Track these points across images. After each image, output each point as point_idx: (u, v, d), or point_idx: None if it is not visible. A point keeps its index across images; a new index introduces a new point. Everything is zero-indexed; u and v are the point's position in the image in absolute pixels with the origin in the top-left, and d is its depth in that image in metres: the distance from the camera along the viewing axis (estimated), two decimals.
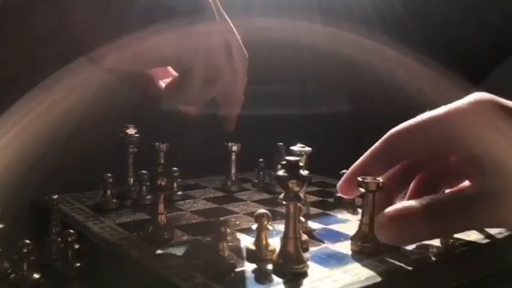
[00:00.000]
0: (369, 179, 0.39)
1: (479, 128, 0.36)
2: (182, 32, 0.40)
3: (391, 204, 0.39)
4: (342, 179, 0.43)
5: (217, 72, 0.43)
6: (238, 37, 0.46)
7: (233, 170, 0.62)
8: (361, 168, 0.42)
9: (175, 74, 0.46)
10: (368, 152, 0.42)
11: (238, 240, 0.43)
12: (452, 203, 0.36)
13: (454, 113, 0.37)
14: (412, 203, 0.36)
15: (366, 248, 0.40)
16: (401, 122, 0.41)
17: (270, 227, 0.39)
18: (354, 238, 0.41)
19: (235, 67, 0.45)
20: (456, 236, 0.44)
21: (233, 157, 0.62)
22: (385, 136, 0.41)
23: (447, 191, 0.42)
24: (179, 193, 0.57)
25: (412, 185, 0.43)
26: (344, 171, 0.56)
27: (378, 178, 0.40)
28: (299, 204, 0.36)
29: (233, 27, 0.45)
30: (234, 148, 0.62)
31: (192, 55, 0.41)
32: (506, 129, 0.35)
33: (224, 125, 0.50)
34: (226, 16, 0.45)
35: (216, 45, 0.42)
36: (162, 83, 0.48)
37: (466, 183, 0.40)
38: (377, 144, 0.42)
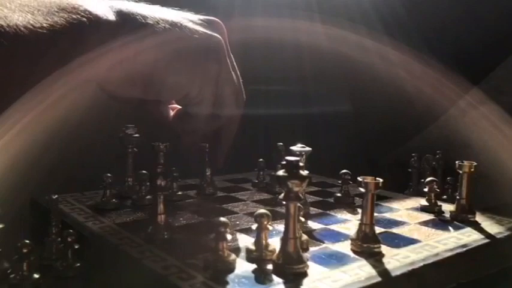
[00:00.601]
0: (368, 179, 0.39)
1: None
2: (194, 67, 0.42)
3: None
4: None
5: (222, 108, 0.45)
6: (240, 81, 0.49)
7: (208, 172, 0.60)
8: None
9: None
10: None
11: (236, 240, 0.43)
12: None
13: None
14: None
15: (366, 248, 0.40)
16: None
17: (270, 227, 0.39)
18: (353, 238, 0.41)
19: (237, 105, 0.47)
20: (456, 236, 0.45)
21: (207, 159, 0.60)
22: None
23: None
24: (179, 193, 0.57)
25: None
26: (344, 171, 0.57)
27: (377, 178, 0.40)
28: (299, 204, 0.36)
29: (237, 72, 0.48)
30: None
31: (201, 89, 0.43)
32: None
33: (215, 161, 0.53)
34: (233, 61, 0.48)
35: (223, 83, 0.46)
36: (170, 111, 0.51)
37: None
38: None
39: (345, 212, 0.53)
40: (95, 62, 0.38)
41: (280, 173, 0.35)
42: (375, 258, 0.39)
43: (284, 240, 0.36)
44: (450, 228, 0.47)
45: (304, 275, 0.35)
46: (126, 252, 0.39)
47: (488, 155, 0.63)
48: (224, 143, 0.52)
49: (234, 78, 0.48)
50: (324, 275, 0.35)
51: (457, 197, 0.49)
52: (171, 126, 0.50)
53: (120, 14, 0.41)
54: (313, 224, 0.47)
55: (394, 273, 0.36)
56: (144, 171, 0.54)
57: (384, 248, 0.40)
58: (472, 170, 0.48)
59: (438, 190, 0.54)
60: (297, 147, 0.48)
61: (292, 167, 0.35)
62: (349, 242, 0.41)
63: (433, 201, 0.53)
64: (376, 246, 0.40)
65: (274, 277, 0.35)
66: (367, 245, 0.40)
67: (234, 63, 0.49)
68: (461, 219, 0.49)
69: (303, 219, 0.45)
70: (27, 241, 0.36)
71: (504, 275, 0.43)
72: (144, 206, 0.53)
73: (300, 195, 0.35)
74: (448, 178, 0.63)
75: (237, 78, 0.49)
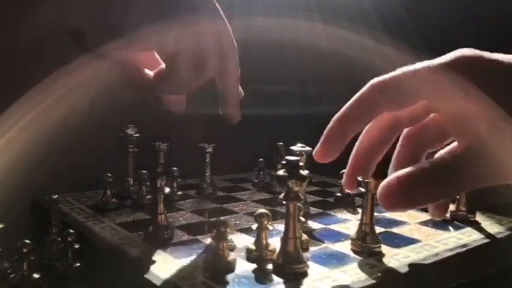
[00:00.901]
0: (368, 179, 0.39)
1: (450, 84, 0.35)
2: (168, 20, 0.39)
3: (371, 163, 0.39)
4: (344, 176, 0.42)
5: (206, 59, 0.42)
6: (229, 28, 0.44)
7: (208, 172, 0.60)
8: (341, 131, 0.39)
9: (163, 64, 0.45)
10: (346, 107, 0.39)
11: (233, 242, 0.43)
12: (448, 163, 0.35)
13: (428, 70, 0.36)
14: (411, 168, 0.35)
15: (366, 248, 0.40)
16: None
17: (270, 227, 0.39)
18: (354, 238, 0.41)
19: (225, 52, 0.43)
20: (456, 236, 0.45)
21: (207, 159, 0.60)
22: (361, 91, 0.39)
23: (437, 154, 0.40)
24: (179, 193, 0.57)
25: (398, 147, 0.42)
26: (344, 171, 0.57)
27: (377, 178, 0.40)
28: (299, 204, 0.36)
29: (226, 22, 0.44)
30: (209, 149, 0.60)
31: (177, 41, 0.40)
32: (485, 85, 0.34)
33: (226, 114, 0.46)
34: (220, 12, 0.44)
35: (203, 32, 0.41)
36: (151, 73, 0.46)
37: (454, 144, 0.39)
38: (354, 99, 0.40)
39: (345, 211, 0.53)
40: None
41: (280, 173, 0.35)
42: (375, 258, 0.39)
43: (284, 240, 0.36)
44: (450, 228, 0.47)
45: (304, 275, 0.35)
46: (126, 252, 0.39)
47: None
48: (230, 86, 0.45)
49: (220, 27, 0.42)
50: (324, 275, 0.35)
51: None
52: (154, 84, 0.44)
53: None
54: (313, 224, 0.47)
55: (394, 273, 0.36)
56: (144, 171, 0.54)
57: (384, 248, 0.41)
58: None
59: None
60: (297, 147, 0.48)
61: (292, 167, 0.35)
62: (349, 242, 0.41)
63: None
64: (376, 246, 0.40)
65: (274, 277, 0.35)
66: (367, 245, 0.40)
67: (220, 12, 0.43)
68: (461, 219, 0.49)
69: (303, 219, 0.45)
70: (27, 241, 0.36)
71: (504, 275, 0.43)
72: (144, 206, 0.53)
73: (300, 195, 0.35)
74: None
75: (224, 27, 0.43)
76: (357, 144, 0.40)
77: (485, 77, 0.33)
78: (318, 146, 0.38)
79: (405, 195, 0.33)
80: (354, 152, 0.41)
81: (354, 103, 0.38)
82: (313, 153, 0.39)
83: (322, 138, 0.39)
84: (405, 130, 0.40)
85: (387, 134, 0.40)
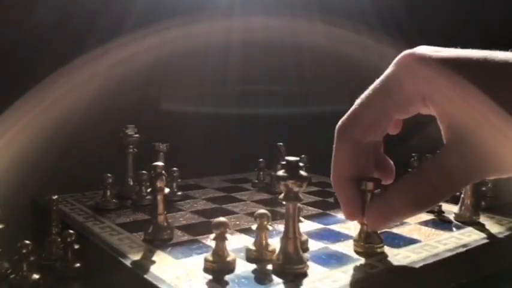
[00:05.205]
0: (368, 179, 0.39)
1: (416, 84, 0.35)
2: None
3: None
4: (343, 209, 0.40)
5: None
6: None
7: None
8: (349, 191, 0.39)
9: None
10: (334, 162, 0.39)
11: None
12: (432, 170, 0.35)
13: (385, 80, 0.36)
14: (390, 195, 0.35)
15: (369, 248, 0.40)
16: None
17: (270, 227, 0.39)
18: (356, 239, 0.41)
19: None
20: (456, 236, 0.45)
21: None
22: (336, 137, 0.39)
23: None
24: (179, 193, 0.57)
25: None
26: None
27: (377, 178, 0.40)
28: (299, 204, 0.36)
29: None
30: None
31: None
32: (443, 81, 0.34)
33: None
34: None
35: None
36: None
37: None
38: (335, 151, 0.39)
39: None
40: None
41: (280, 173, 0.35)
42: (375, 258, 0.39)
43: (284, 240, 0.36)
44: (450, 228, 0.47)
45: (304, 275, 0.35)
46: (126, 253, 0.39)
47: None
48: None
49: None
50: (324, 275, 0.35)
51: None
52: None
53: None
54: (313, 224, 0.47)
55: (394, 273, 0.36)
56: (144, 171, 0.54)
57: (384, 248, 0.40)
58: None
59: None
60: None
61: (292, 167, 0.35)
62: (349, 242, 0.41)
63: None
64: (379, 246, 0.40)
65: (274, 277, 0.35)
66: (370, 245, 0.40)
67: None
68: (465, 221, 0.49)
69: (303, 220, 0.45)
70: (27, 241, 0.36)
71: (504, 275, 0.43)
72: (144, 206, 0.53)
73: (300, 195, 0.35)
74: None
75: None
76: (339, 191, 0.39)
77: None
78: (343, 210, 0.39)
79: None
80: (342, 198, 0.40)
81: (335, 161, 0.39)
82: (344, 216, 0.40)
83: (340, 203, 0.39)
84: None
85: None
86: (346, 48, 0.76)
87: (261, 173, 0.65)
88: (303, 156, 0.47)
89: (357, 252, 0.40)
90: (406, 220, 0.49)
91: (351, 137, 0.37)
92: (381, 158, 0.41)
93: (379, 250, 0.40)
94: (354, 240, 0.41)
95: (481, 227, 0.47)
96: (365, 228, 0.40)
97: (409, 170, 0.63)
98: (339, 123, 0.38)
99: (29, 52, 0.56)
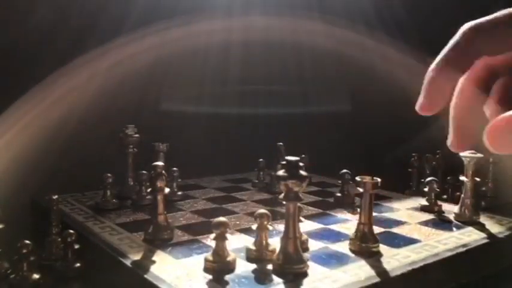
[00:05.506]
0: (367, 179, 0.39)
1: None
2: None
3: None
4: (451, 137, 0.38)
5: None
6: None
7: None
8: (444, 80, 0.35)
9: None
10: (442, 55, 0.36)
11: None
12: None
13: None
14: None
15: (365, 248, 0.40)
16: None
17: (270, 227, 0.39)
18: (352, 238, 0.41)
19: None
20: (456, 236, 0.44)
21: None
22: (456, 36, 0.35)
23: None
24: (179, 193, 0.57)
25: (494, 94, 0.38)
26: (344, 171, 0.57)
27: (375, 178, 0.40)
28: (299, 204, 0.36)
29: None
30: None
31: None
32: None
33: None
34: None
35: None
36: None
37: None
38: (448, 47, 0.36)
39: (345, 212, 0.53)
40: None
41: (280, 173, 0.35)
42: (375, 258, 0.39)
43: (284, 240, 0.36)
44: (450, 228, 0.47)
45: (304, 274, 0.35)
46: (126, 253, 0.39)
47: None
48: None
49: None
50: (324, 275, 0.35)
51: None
52: None
53: None
54: (313, 224, 0.47)
55: (394, 273, 0.36)
56: (144, 171, 0.54)
57: (384, 248, 0.40)
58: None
59: (438, 190, 0.54)
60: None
61: (292, 167, 0.35)
62: (349, 241, 0.41)
63: (433, 201, 0.53)
64: (374, 245, 0.40)
65: (274, 277, 0.35)
66: (366, 245, 0.40)
67: None
68: (464, 221, 0.49)
69: (303, 219, 0.45)
70: (27, 241, 0.36)
71: (504, 275, 0.43)
72: (144, 206, 0.53)
73: (300, 195, 0.35)
74: (448, 178, 0.63)
75: None
76: (454, 101, 0.37)
77: None
78: (420, 99, 0.35)
79: None
80: (453, 110, 0.37)
81: (450, 50, 0.35)
82: (417, 106, 0.36)
83: (423, 90, 0.36)
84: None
85: (484, 86, 0.37)
86: (346, 48, 0.76)
87: (261, 173, 0.65)
88: (303, 156, 0.47)
89: (353, 251, 0.40)
90: (406, 220, 0.49)
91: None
92: None
93: (374, 249, 0.40)
94: (350, 239, 0.41)
95: (481, 227, 0.47)
96: (361, 228, 0.40)
97: (409, 170, 0.63)
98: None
99: (29, 52, 0.56)
